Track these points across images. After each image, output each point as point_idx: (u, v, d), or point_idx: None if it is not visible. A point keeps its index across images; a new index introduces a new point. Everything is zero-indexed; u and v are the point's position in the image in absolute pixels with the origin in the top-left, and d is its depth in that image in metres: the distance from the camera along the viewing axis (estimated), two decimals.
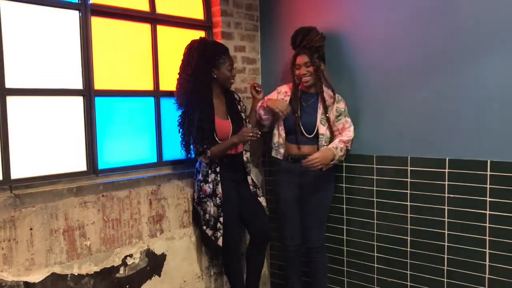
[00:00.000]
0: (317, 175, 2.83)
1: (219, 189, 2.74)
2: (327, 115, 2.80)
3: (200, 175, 2.79)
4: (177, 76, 2.80)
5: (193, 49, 2.75)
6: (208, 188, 2.75)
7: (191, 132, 2.69)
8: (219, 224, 2.74)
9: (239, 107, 2.93)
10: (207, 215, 2.78)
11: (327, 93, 2.84)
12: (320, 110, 2.83)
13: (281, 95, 2.92)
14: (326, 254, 3.05)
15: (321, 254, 2.99)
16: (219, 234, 2.75)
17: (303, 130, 2.83)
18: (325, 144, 2.80)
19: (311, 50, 2.78)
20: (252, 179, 2.95)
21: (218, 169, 2.74)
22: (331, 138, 2.83)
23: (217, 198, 2.73)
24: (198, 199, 2.83)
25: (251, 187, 2.92)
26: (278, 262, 3.47)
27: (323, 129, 2.81)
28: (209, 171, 2.75)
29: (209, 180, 2.75)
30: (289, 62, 2.88)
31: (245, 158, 2.88)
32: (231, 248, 2.86)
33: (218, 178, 2.74)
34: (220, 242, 2.75)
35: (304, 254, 3.03)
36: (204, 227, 2.81)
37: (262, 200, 2.96)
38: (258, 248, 2.99)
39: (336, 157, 2.73)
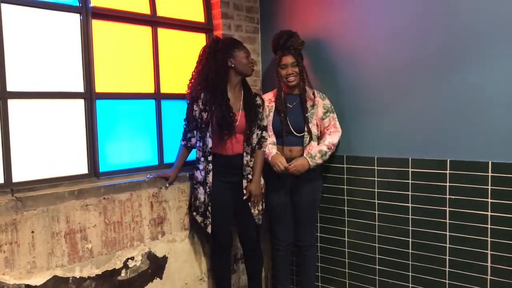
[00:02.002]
0: (308, 177, 2.91)
1: (210, 178, 2.73)
2: (306, 114, 2.87)
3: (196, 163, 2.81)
4: (190, 77, 2.79)
5: (206, 48, 2.75)
6: (199, 175, 2.77)
7: (192, 115, 2.73)
8: (208, 212, 2.76)
9: (257, 109, 2.80)
10: (197, 202, 2.79)
11: (308, 93, 2.91)
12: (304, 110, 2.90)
13: (266, 102, 2.94)
14: (316, 252, 3.14)
15: (312, 252, 3.08)
16: (208, 222, 2.77)
17: (292, 130, 2.87)
18: (307, 142, 2.87)
19: (296, 52, 2.86)
20: (247, 183, 2.79)
21: (210, 158, 2.72)
22: (318, 136, 2.91)
23: (207, 187, 2.74)
24: (191, 186, 2.86)
25: (244, 191, 2.78)
26: None
27: (309, 127, 2.87)
28: (201, 159, 2.75)
29: (201, 167, 2.76)
30: (274, 63, 2.93)
31: (244, 161, 2.75)
32: (217, 251, 2.92)
33: (210, 167, 2.72)
34: (209, 229, 2.77)
35: (294, 253, 3.16)
36: (194, 213, 2.82)
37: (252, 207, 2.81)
38: (248, 254, 3.02)
39: (312, 165, 2.83)
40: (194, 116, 2.73)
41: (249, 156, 2.78)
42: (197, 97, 2.71)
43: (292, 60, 2.84)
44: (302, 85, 2.89)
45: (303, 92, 2.89)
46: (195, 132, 2.77)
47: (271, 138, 2.91)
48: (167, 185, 2.76)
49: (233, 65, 2.69)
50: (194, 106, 2.72)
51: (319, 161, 2.84)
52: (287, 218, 2.99)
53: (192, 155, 2.88)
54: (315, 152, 2.83)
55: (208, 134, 2.70)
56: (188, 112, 2.76)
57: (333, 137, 2.89)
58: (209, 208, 2.75)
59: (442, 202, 2.63)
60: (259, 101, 2.82)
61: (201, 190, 2.77)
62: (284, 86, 2.93)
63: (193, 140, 2.78)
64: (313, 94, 2.93)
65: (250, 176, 2.78)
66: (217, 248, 2.92)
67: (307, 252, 3.06)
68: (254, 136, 2.78)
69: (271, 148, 2.87)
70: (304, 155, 2.86)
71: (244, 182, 2.78)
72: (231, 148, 2.74)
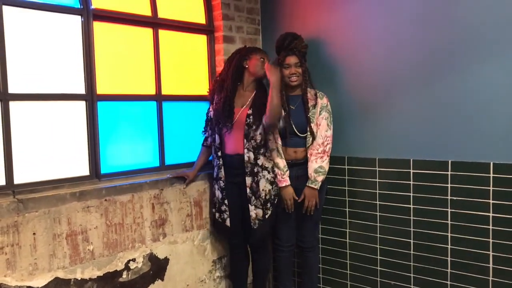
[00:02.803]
0: None
1: (222, 173, 2.83)
2: (309, 114, 2.86)
3: None
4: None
5: (232, 53, 2.89)
6: (214, 171, 2.89)
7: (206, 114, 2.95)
8: (224, 207, 2.85)
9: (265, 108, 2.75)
10: (215, 198, 2.92)
11: (310, 93, 2.91)
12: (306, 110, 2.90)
13: None
14: (318, 253, 3.14)
15: (315, 253, 3.08)
16: (225, 215, 2.86)
17: (296, 130, 2.87)
18: (310, 143, 2.85)
19: (300, 53, 2.87)
20: (252, 182, 2.76)
21: (219, 154, 2.84)
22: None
23: (221, 181, 2.84)
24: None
25: (247, 190, 2.76)
26: None
27: (311, 127, 2.86)
28: (214, 155, 2.87)
29: (214, 164, 2.87)
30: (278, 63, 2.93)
31: (246, 158, 2.73)
32: (230, 246, 3.04)
33: (220, 162, 2.82)
34: (228, 222, 2.86)
35: (296, 254, 3.17)
36: (213, 210, 2.96)
37: (251, 209, 2.77)
38: (251, 255, 3.07)
39: (319, 186, 2.84)
40: (210, 116, 2.89)
41: (251, 153, 2.74)
42: (212, 99, 2.87)
43: (296, 61, 2.85)
44: (304, 86, 2.90)
45: (305, 92, 2.89)
46: (210, 132, 2.91)
47: (276, 144, 2.89)
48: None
49: (247, 66, 2.79)
50: (210, 107, 2.90)
51: (321, 177, 2.83)
52: (290, 219, 2.99)
53: None
54: (312, 174, 2.82)
55: (216, 131, 2.84)
56: (206, 114, 2.95)
57: (319, 144, 2.85)
58: (225, 201, 2.85)
59: (444, 203, 2.63)
60: None
61: (216, 186, 2.89)
62: (285, 87, 2.93)
63: (209, 140, 2.92)
64: (315, 94, 2.93)
65: (258, 176, 2.75)
66: (229, 245, 3.05)
67: (309, 254, 3.05)
68: (258, 132, 2.75)
69: (286, 176, 2.85)
70: (308, 156, 2.87)
71: (248, 180, 2.75)
72: (231, 147, 2.79)
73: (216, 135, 2.83)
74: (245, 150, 2.74)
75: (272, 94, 2.64)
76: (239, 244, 2.99)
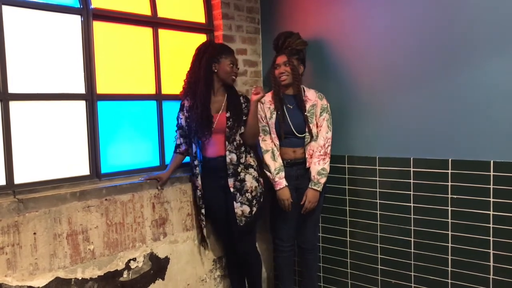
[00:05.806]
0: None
1: (199, 182, 2.81)
2: (306, 114, 2.86)
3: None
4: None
5: (198, 50, 2.79)
6: (194, 179, 2.85)
7: (177, 119, 2.84)
8: (201, 216, 2.86)
9: (243, 105, 2.78)
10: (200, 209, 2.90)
11: (309, 92, 2.91)
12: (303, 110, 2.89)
13: (266, 104, 2.94)
14: (318, 253, 3.16)
15: (315, 253, 3.09)
16: (202, 224, 2.89)
17: (294, 131, 2.86)
18: (308, 142, 2.87)
19: (292, 52, 2.87)
20: (235, 181, 2.73)
21: (196, 163, 2.80)
22: (317, 135, 2.89)
23: (198, 190, 2.84)
24: None
25: (231, 189, 2.73)
26: None
27: (309, 127, 2.86)
28: (192, 164, 2.82)
29: (192, 172, 2.84)
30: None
31: (228, 159, 2.71)
32: (226, 252, 3.03)
33: (197, 171, 2.80)
34: (204, 232, 2.91)
35: (296, 254, 3.19)
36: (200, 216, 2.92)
37: (237, 206, 2.73)
38: (239, 261, 3.00)
39: (321, 188, 2.85)
40: (181, 124, 2.81)
41: (233, 155, 2.72)
42: (183, 105, 2.80)
43: (285, 60, 2.86)
44: (296, 85, 2.89)
45: (298, 91, 2.88)
46: (181, 139, 2.83)
47: (272, 145, 2.90)
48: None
49: (216, 71, 2.73)
50: (180, 114, 2.81)
51: (324, 179, 2.84)
52: (290, 219, 2.98)
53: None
54: (315, 176, 2.83)
55: (193, 140, 2.77)
56: (177, 120, 2.85)
57: (320, 145, 2.85)
58: (202, 211, 2.85)
59: (444, 201, 2.63)
60: (243, 100, 2.81)
61: (197, 193, 2.85)
62: (280, 87, 2.92)
63: (183, 147, 2.84)
64: (314, 94, 2.92)
65: (242, 174, 2.73)
66: (224, 247, 3.03)
67: (310, 253, 3.05)
68: (238, 133, 2.74)
69: (281, 178, 2.84)
70: (308, 157, 2.87)
71: (230, 181, 2.72)
72: (212, 150, 2.76)
73: (193, 144, 2.77)
74: (227, 152, 2.72)
75: (249, 116, 2.72)
76: (231, 247, 2.95)
